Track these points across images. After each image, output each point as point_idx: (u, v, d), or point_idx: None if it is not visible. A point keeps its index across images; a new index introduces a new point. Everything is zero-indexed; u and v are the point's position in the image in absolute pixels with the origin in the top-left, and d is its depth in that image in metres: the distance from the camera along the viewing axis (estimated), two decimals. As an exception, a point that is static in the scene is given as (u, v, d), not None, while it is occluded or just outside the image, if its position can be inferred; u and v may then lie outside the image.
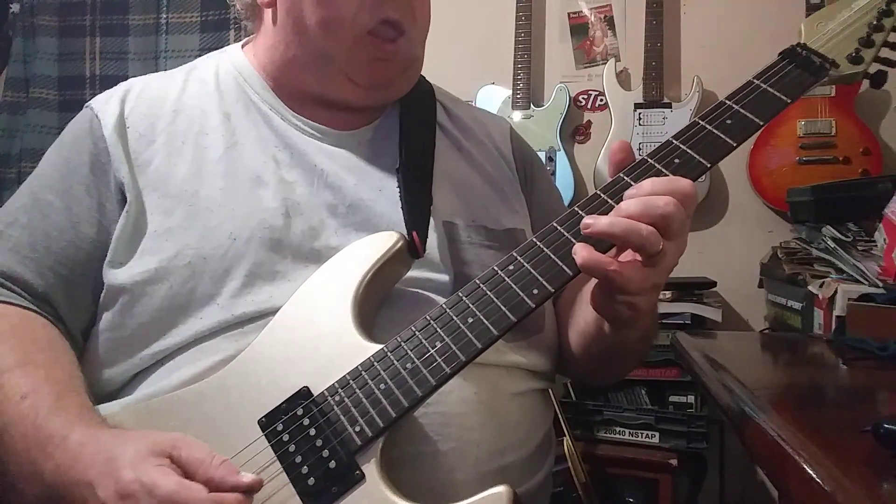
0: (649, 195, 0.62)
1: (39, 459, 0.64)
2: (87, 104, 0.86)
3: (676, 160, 0.68)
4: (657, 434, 1.61)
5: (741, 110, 0.70)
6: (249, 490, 0.59)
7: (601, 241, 0.64)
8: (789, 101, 0.71)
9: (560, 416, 1.54)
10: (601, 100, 2.05)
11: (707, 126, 0.70)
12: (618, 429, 1.65)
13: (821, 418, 0.71)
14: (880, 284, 1.16)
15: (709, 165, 0.67)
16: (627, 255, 0.65)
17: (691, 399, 1.62)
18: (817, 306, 1.28)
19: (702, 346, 1.08)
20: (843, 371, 0.98)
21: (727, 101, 0.71)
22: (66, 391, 0.69)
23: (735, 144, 0.69)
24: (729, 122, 0.70)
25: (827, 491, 0.49)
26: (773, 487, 0.62)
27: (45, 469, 0.63)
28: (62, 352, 0.74)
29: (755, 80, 0.73)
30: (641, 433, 1.62)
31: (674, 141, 0.69)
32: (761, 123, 0.70)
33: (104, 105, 0.84)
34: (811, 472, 0.51)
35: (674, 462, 1.56)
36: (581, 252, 0.62)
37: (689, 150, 0.68)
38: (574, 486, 1.49)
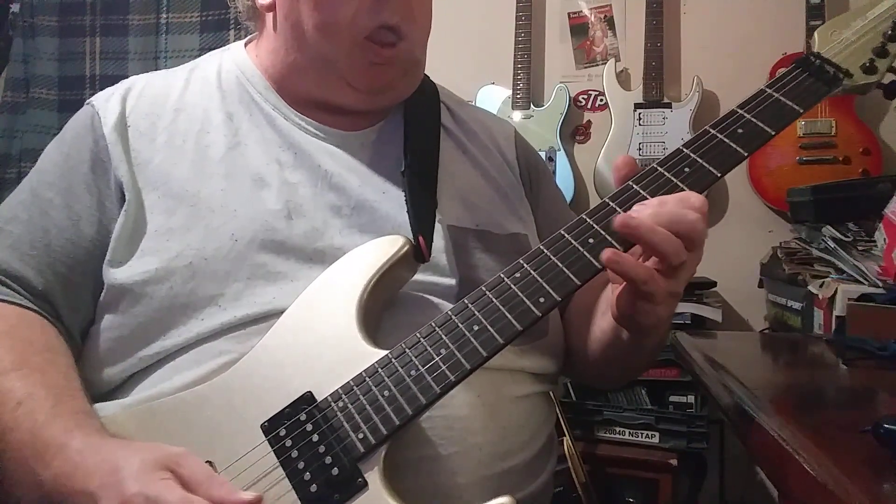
0: (671, 211, 0.62)
1: (38, 467, 0.63)
2: (87, 101, 0.85)
3: (686, 169, 0.67)
4: (657, 434, 1.61)
5: (752, 119, 0.69)
6: None
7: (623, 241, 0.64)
8: (802, 110, 0.70)
9: (560, 416, 1.54)
10: (601, 100, 2.05)
11: (718, 135, 0.68)
12: (618, 429, 1.65)
13: (821, 418, 0.71)
14: (880, 284, 1.17)
15: (719, 175, 0.66)
16: (650, 264, 0.65)
17: (691, 399, 1.62)
18: (817, 306, 1.28)
19: (702, 346, 1.08)
20: (843, 371, 0.98)
21: (738, 110, 0.70)
22: (63, 396, 0.68)
23: (746, 154, 0.67)
24: (740, 131, 0.68)
25: (827, 491, 0.49)
26: (773, 487, 0.62)
27: (43, 477, 0.63)
28: (59, 354, 0.73)
29: (767, 90, 0.71)
30: (641, 433, 1.62)
31: (684, 150, 0.68)
32: (773, 133, 0.68)
33: (105, 102, 0.83)
34: (811, 472, 0.52)
35: (674, 462, 1.56)
36: (609, 254, 0.61)
37: (699, 159, 0.67)
38: (574, 486, 1.49)
